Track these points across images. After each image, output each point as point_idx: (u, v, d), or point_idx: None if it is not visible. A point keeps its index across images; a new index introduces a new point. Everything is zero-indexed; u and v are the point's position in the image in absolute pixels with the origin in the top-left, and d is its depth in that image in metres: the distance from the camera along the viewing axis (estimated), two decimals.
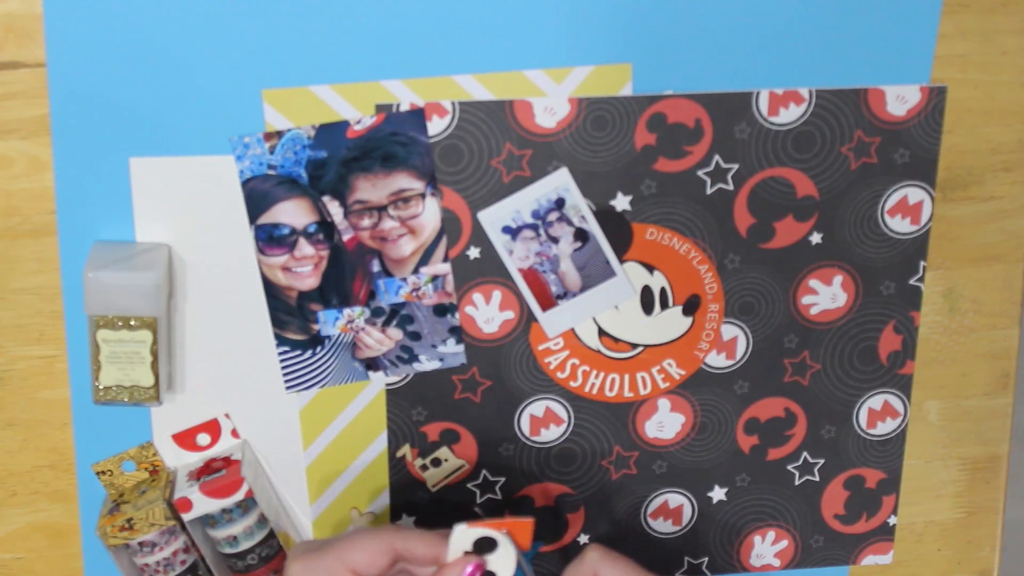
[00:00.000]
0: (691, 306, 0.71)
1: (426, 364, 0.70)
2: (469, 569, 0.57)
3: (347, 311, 0.68)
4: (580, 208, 0.67)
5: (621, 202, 0.68)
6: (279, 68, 0.63)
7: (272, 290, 0.67)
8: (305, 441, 0.70)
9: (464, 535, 0.57)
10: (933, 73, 0.68)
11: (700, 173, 0.68)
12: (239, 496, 0.67)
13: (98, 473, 0.69)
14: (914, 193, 0.70)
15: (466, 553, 0.57)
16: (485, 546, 0.58)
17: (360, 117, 0.64)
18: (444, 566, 0.57)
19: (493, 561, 0.57)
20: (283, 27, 0.62)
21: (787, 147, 0.68)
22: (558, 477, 0.73)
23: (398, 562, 0.58)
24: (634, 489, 0.75)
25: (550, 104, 0.65)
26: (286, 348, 0.68)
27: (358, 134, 0.64)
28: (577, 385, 0.71)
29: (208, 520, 0.69)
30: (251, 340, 0.68)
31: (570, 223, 0.68)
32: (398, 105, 0.64)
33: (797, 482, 0.76)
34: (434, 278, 0.68)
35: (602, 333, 0.71)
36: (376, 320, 0.68)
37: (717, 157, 0.67)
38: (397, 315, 0.68)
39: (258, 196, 0.65)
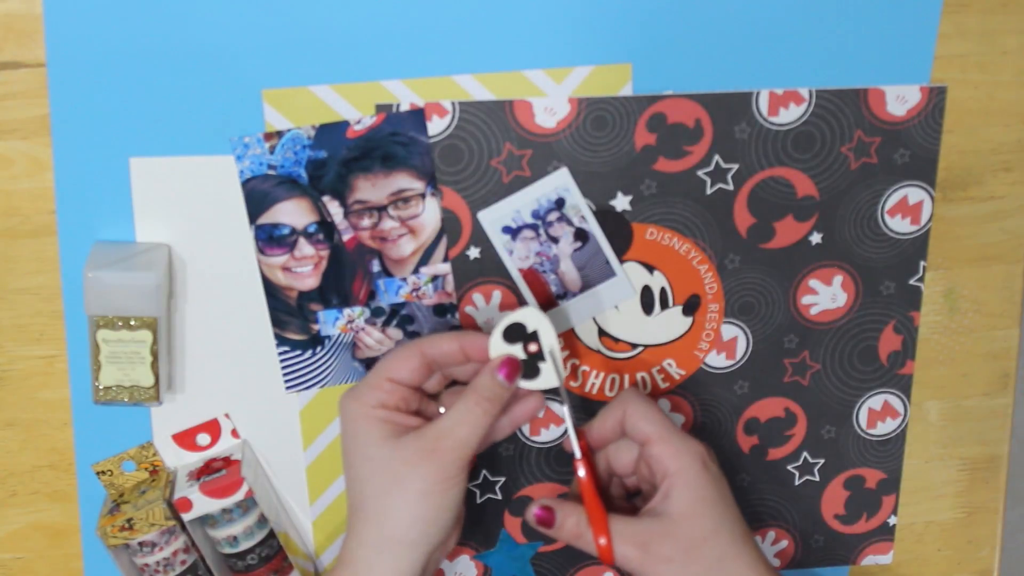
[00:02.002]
0: (691, 306, 0.71)
1: None
2: (503, 373, 0.61)
3: (347, 311, 0.68)
4: (580, 208, 0.67)
5: (621, 202, 0.68)
6: (279, 68, 0.63)
7: (272, 290, 0.67)
8: (305, 441, 0.70)
9: (497, 333, 0.61)
10: (933, 73, 0.68)
11: (700, 173, 0.68)
12: (239, 496, 0.67)
13: (98, 473, 0.69)
14: (914, 193, 0.70)
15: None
16: (515, 332, 0.61)
17: (360, 117, 0.64)
18: (471, 358, 0.62)
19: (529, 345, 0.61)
20: (283, 27, 0.62)
21: (787, 147, 0.68)
22: (558, 477, 0.73)
23: (433, 368, 0.62)
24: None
25: (550, 104, 0.65)
26: (286, 348, 0.68)
27: (358, 134, 0.64)
28: (577, 385, 0.71)
29: (208, 520, 0.69)
30: (251, 340, 0.68)
31: (570, 223, 0.68)
32: (398, 105, 0.64)
33: (797, 482, 0.76)
34: (434, 278, 0.68)
35: (602, 333, 0.71)
36: (376, 320, 0.68)
37: (717, 157, 0.67)
38: (397, 315, 0.68)
39: (258, 196, 0.65)
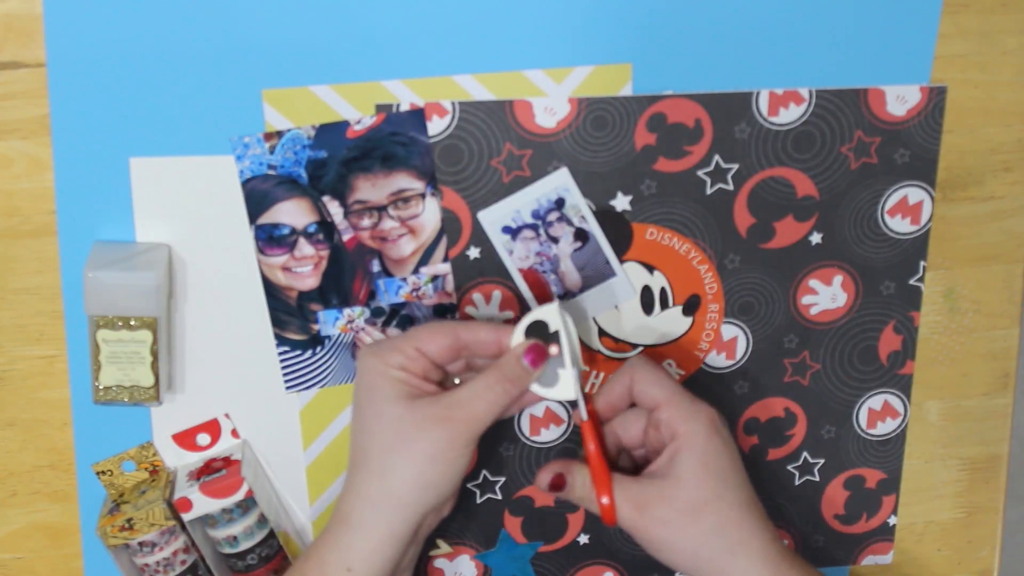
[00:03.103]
0: (691, 306, 0.71)
1: None
2: (528, 358, 0.61)
3: (347, 311, 0.68)
4: (580, 208, 0.67)
5: (621, 202, 0.68)
6: (279, 68, 0.63)
7: (272, 290, 0.67)
8: (305, 441, 0.70)
9: (521, 325, 0.62)
10: (933, 73, 0.68)
11: (700, 173, 0.68)
12: (239, 496, 0.67)
13: (98, 473, 0.69)
14: (914, 193, 0.70)
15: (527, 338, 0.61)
16: (538, 330, 0.62)
17: (360, 117, 0.64)
18: (505, 352, 0.62)
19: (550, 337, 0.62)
20: (283, 27, 0.62)
21: (787, 147, 0.68)
22: None
23: (462, 352, 0.62)
24: None
25: (550, 104, 0.65)
26: (286, 348, 0.68)
27: (358, 134, 0.64)
28: None
29: (208, 520, 0.69)
30: (251, 340, 0.68)
31: (570, 223, 0.68)
32: (398, 105, 0.64)
33: (797, 482, 0.76)
34: (434, 278, 0.68)
35: (602, 333, 0.71)
36: (376, 320, 0.68)
37: (717, 157, 0.67)
38: (397, 315, 0.68)
39: (258, 196, 0.65)
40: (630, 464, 0.67)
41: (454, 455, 0.59)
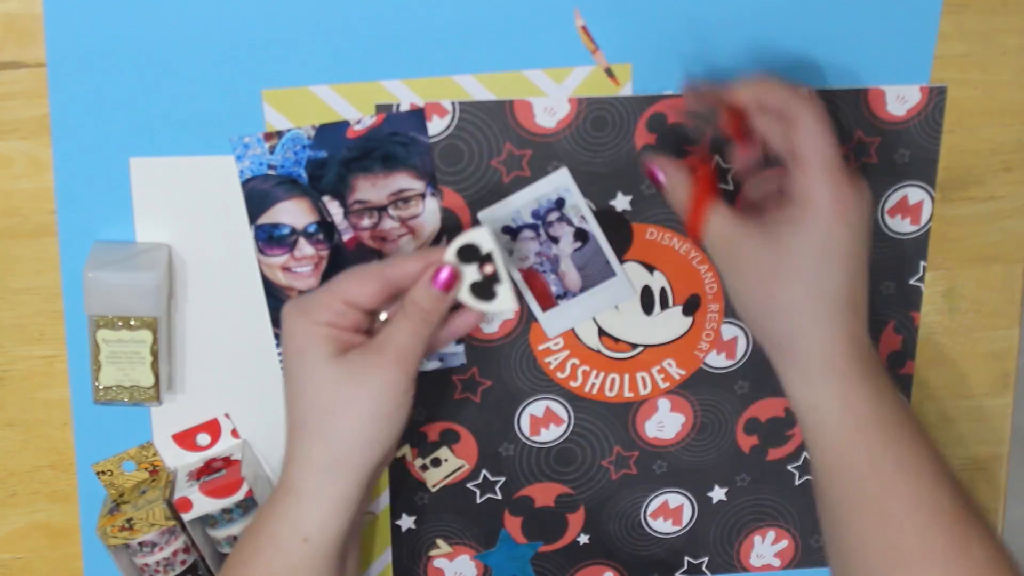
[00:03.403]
0: (691, 306, 0.71)
1: (426, 364, 0.70)
2: (444, 275, 0.58)
3: None
4: (580, 208, 0.67)
5: (621, 202, 0.68)
6: (279, 68, 0.63)
7: (272, 290, 0.67)
8: None
9: (451, 250, 0.59)
10: (933, 73, 0.68)
11: None
12: (239, 496, 0.67)
13: (98, 473, 0.69)
14: (914, 193, 0.70)
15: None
16: (469, 253, 0.59)
17: (360, 117, 0.64)
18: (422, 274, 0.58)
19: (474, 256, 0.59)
20: (283, 27, 0.62)
21: None
22: (558, 477, 0.73)
23: (393, 292, 0.59)
24: (634, 489, 0.75)
25: (550, 104, 0.65)
26: None
27: (358, 134, 0.64)
28: (577, 385, 0.71)
29: (208, 520, 0.69)
30: (251, 340, 0.68)
31: (570, 223, 0.68)
32: (398, 105, 0.64)
33: (797, 482, 0.76)
34: None
35: (602, 333, 0.71)
36: None
37: (717, 157, 0.67)
38: None
39: (258, 196, 0.65)
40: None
41: (394, 405, 0.57)
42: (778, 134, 0.60)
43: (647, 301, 0.70)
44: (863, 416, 0.57)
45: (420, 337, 0.58)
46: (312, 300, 0.58)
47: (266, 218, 0.65)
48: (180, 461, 0.70)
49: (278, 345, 0.68)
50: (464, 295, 0.60)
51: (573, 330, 0.70)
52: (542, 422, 0.72)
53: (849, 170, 0.57)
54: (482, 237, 0.59)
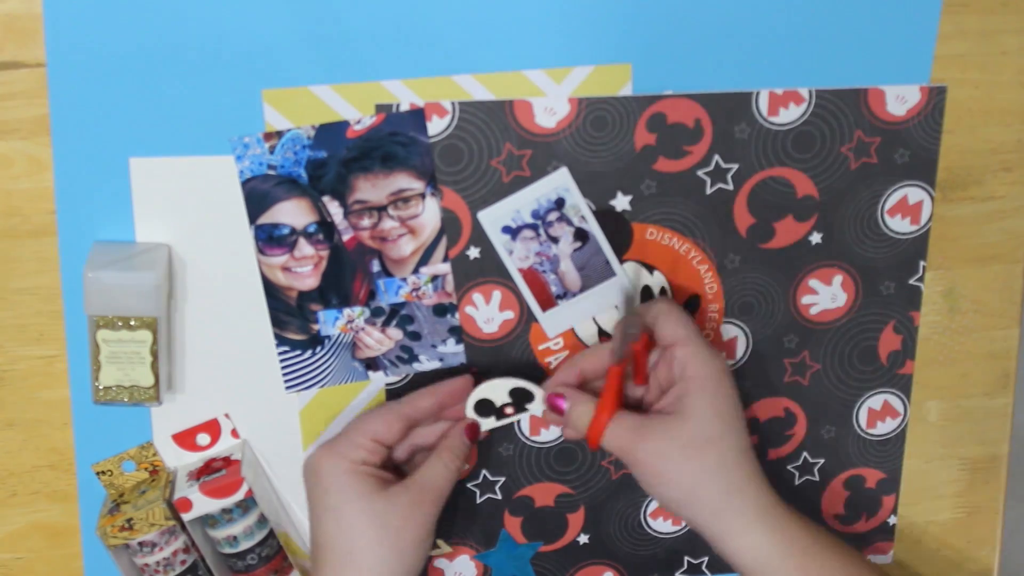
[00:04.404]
0: (691, 306, 0.71)
1: (426, 364, 0.70)
2: (467, 435, 0.67)
3: (347, 311, 0.68)
4: (580, 208, 0.67)
5: (621, 202, 0.68)
6: (279, 68, 0.63)
7: (272, 290, 0.67)
8: (305, 441, 0.70)
9: (470, 403, 0.67)
10: (933, 73, 0.68)
11: (700, 173, 0.68)
12: (239, 496, 0.67)
13: (98, 473, 0.69)
14: (914, 193, 0.70)
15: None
16: (484, 407, 0.67)
17: (360, 117, 0.64)
18: (446, 416, 0.67)
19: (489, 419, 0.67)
20: (283, 27, 0.62)
21: (787, 147, 0.68)
22: (558, 477, 0.73)
23: (410, 428, 0.66)
24: (634, 489, 0.75)
25: (550, 104, 0.65)
26: (286, 348, 0.68)
27: (358, 134, 0.64)
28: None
29: (208, 520, 0.69)
30: (251, 340, 0.68)
31: (570, 223, 0.68)
32: (398, 105, 0.64)
33: (797, 482, 0.76)
34: (434, 278, 0.68)
35: (602, 333, 0.71)
36: (376, 320, 0.68)
37: (717, 157, 0.67)
38: (397, 315, 0.68)
39: (258, 196, 0.65)
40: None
41: (430, 536, 0.64)
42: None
43: (647, 301, 0.70)
44: (802, 550, 0.62)
45: (453, 479, 0.66)
46: (344, 442, 0.64)
47: (266, 218, 0.65)
48: (180, 461, 0.70)
49: (278, 345, 0.68)
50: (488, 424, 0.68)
51: (573, 330, 0.70)
52: (542, 422, 0.72)
53: (706, 339, 0.64)
54: (497, 392, 0.66)
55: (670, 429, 0.62)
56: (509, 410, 0.66)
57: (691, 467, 0.61)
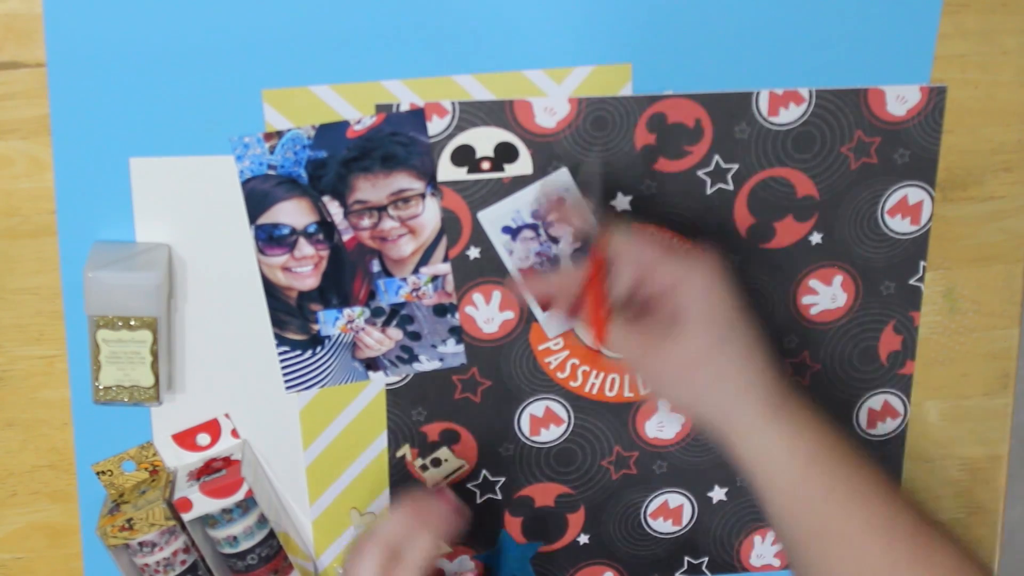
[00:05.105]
0: None
1: (426, 364, 0.70)
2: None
3: (347, 311, 0.68)
4: None
5: (621, 202, 0.68)
6: (279, 68, 0.63)
7: (272, 290, 0.67)
8: (305, 441, 0.70)
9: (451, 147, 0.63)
10: (933, 73, 0.68)
11: (700, 173, 0.68)
12: (239, 496, 0.67)
13: (98, 473, 0.69)
14: (914, 193, 0.70)
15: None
16: (462, 156, 0.63)
17: (360, 117, 0.64)
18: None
19: None
20: (283, 27, 0.62)
21: (787, 147, 0.68)
22: (558, 477, 0.73)
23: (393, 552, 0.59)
24: (634, 489, 0.75)
25: (550, 104, 0.65)
26: (286, 348, 0.68)
27: (358, 134, 0.64)
28: (577, 385, 0.71)
29: (208, 520, 0.69)
30: (251, 340, 0.68)
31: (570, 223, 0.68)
32: (398, 105, 0.64)
33: None
34: (434, 278, 0.68)
35: None
36: (376, 320, 0.68)
37: (717, 157, 0.67)
38: (397, 315, 0.68)
39: (258, 196, 0.65)
40: None
41: None
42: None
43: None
44: (810, 452, 0.58)
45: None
46: None
47: (266, 218, 0.65)
48: (180, 461, 0.70)
49: (278, 345, 0.68)
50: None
51: (573, 330, 0.70)
52: (542, 422, 0.72)
53: (682, 241, 0.61)
54: (481, 141, 0.62)
55: (666, 346, 0.59)
56: (486, 165, 0.62)
57: (691, 382, 0.59)
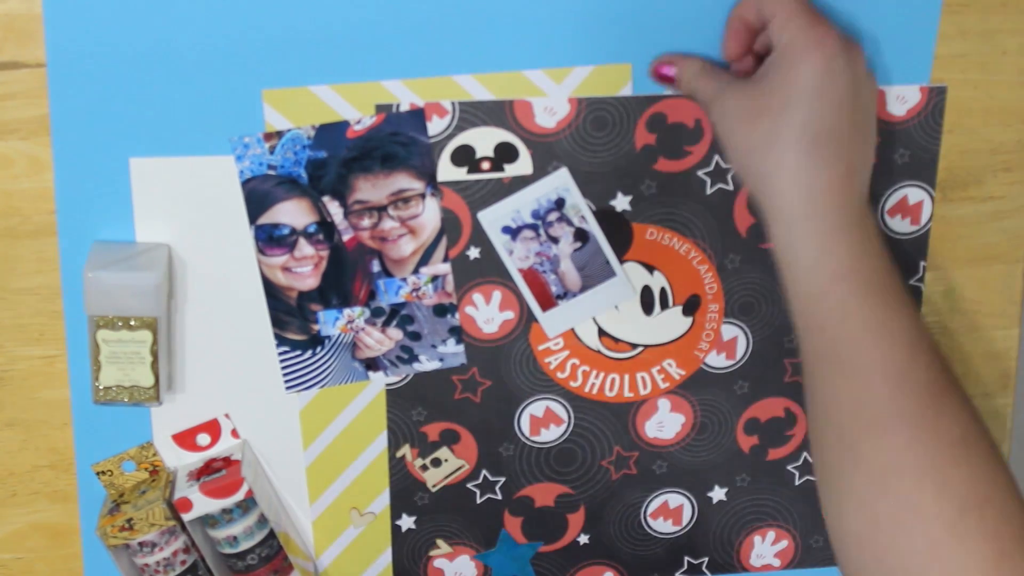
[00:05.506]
0: (691, 306, 0.71)
1: (426, 364, 0.70)
2: None
3: (347, 311, 0.68)
4: (580, 208, 0.67)
5: (621, 202, 0.68)
6: (279, 68, 0.63)
7: (272, 290, 0.67)
8: (305, 441, 0.70)
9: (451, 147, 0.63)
10: (933, 73, 0.68)
11: (700, 173, 0.68)
12: (239, 496, 0.67)
13: (98, 473, 0.69)
14: (914, 193, 0.70)
15: None
16: (462, 156, 0.62)
17: (360, 117, 0.64)
18: None
19: None
20: (283, 27, 0.62)
21: None
22: (558, 477, 0.73)
23: None
24: (634, 489, 0.75)
25: (550, 104, 0.65)
26: (286, 348, 0.68)
27: (358, 134, 0.64)
28: (577, 385, 0.71)
29: (208, 520, 0.69)
30: (251, 340, 0.68)
31: (570, 223, 0.68)
32: (398, 105, 0.64)
33: (797, 482, 0.76)
34: (434, 278, 0.68)
35: (602, 333, 0.71)
36: (376, 320, 0.68)
37: (717, 157, 0.67)
38: (397, 315, 0.68)
39: (258, 196, 0.65)
40: None
41: None
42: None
43: (647, 301, 0.70)
44: (839, 266, 0.55)
45: None
46: None
47: (266, 218, 0.65)
48: (180, 461, 0.70)
49: (278, 345, 0.68)
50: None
51: (573, 330, 0.70)
52: (542, 422, 0.72)
53: (833, 25, 0.57)
54: (481, 141, 0.62)
55: (739, 91, 0.58)
56: (486, 165, 0.62)
57: (745, 131, 0.57)
